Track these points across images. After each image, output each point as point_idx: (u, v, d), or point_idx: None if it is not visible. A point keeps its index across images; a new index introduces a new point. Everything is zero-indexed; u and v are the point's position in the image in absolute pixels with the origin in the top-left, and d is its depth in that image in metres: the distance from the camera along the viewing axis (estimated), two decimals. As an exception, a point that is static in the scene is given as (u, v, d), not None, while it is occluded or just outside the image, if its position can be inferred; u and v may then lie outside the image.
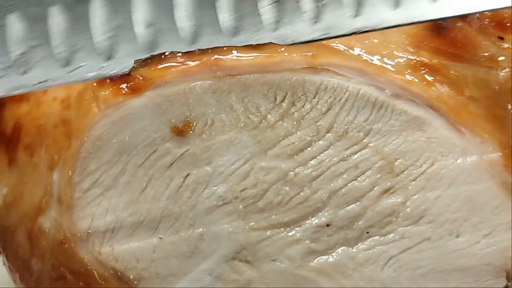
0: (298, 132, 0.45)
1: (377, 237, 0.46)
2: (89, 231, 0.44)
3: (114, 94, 0.43)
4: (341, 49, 0.45)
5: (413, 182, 0.46)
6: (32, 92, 0.45)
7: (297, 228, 0.45)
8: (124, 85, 0.43)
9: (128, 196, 0.45)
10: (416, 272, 0.46)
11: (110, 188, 0.45)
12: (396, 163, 0.46)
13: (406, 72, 0.44)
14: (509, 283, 0.46)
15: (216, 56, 0.43)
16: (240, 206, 0.45)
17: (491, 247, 0.46)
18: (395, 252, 0.46)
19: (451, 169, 0.46)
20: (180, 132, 0.44)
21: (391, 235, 0.46)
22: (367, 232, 0.46)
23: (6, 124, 0.49)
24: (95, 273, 0.43)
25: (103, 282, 0.43)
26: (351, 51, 0.45)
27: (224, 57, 0.43)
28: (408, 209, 0.46)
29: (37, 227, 0.46)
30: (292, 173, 0.46)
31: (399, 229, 0.46)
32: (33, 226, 0.46)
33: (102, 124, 0.44)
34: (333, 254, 0.45)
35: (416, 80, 0.44)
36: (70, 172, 0.44)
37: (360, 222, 0.46)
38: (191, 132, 0.44)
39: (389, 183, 0.46)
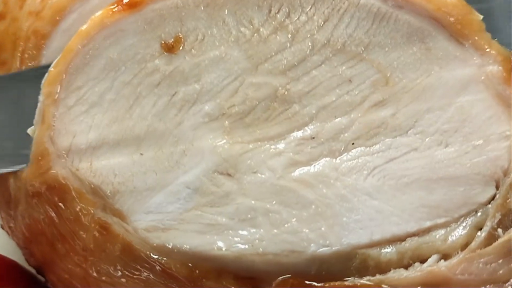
0: (292, 46, 0.44)
1: (362, 148, 0.45)
2: (70, 148, 0.44)
3: (112, 12, 0.43)
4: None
5: (407, 94, 0.45)
6: (9, 9, 0.45)
7: (281, 141, 0.45)
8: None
9: (113, 114, 0.44)
10: (401, 181, 0.45)
11: (95, 105, 0.44)
12: (392, 76, 0.45)
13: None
14: (497, 192, 0.46)
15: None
16: (227, 122, 0.45)
17: (481, 157, 0.45)
18: (380, 162, 0.45)
19: (446, 80, 0.45)
20: (170, 48, 0.44)
21: (377, 145, 0.45)
22: (353, 144, 0.45)
23: None
24: (71, 188, 0.43)
25: (78, 196, 0.43)
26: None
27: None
28: (397, 120, 0.45)
29: None
30: (282, 89, 0.45)
31: (386, 140, 0.45)
32: None
33: (92, 39, 0.43)
34: (316, 165, 0.45)
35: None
36: (57, 89, 0.44)
37: (346, 134, 0.45)
38: (181, 48, 0.44)
39: (381, 96, 0.45)
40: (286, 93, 0.45)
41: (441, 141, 0.45)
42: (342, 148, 0.45)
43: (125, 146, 0.44)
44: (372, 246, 0.44)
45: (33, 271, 0.49)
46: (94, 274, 0.44)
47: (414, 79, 0.45)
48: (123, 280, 0.44)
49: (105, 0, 0.45)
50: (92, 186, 0.44)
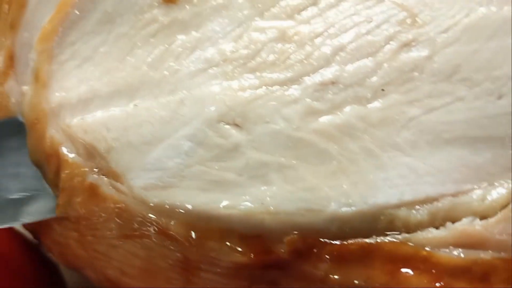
0: None
1: (395, 95, 0.39)
2: (61, 104, 0.41)
3: None
4: None
5: (443, 34, 0.39)
6: None
7: (295, 86, 0.39)
8: None
9: (106, 65, 0.41)
10: (441, 137, 0.39)
11: (88, 59, 0.41)
12: (421, 14, 0.39)
13: None
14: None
15: None
16: (230, 67, 0.40)
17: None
18: (416, 112, 0.39)
19: (493, 19, 0.38)
20: None
21: (413, 93, 0.39)
22: (383, 90, 0.39)
23: None
24: (65, 154, 0.40)
25: (70, 161, 0.40)
26: None
27: None
28: (435, 64, 0.39)
29: (3, 95, 0.43)
30: (291, 31, 0.40)
31: (424, 86, 0.39)
32: None
33: None
34: (339, 113, 0.39)
35: None
36: (52, 45, 0.41)
37: (373, 79, 0.39)
38: None
39: (410, 36, 0.39)
40: (295, 35, 0.40)
41: (492, 90, 0.39)
42: (370, 95, 0.39)
43: (118, 98, 0.41)
44: (401, 207, 0.39)
45: (28, 234, 0.47)
46: (89, 237, 0.41)
47: (449, 17, 0.39)
48: (119, 242, 0.40)
49: None
50: (85, 144, 0.40)
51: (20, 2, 0.43)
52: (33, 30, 0.43)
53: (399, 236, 0.38)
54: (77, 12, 0.41)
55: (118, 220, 0.40)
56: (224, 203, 0.39)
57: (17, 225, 0.46)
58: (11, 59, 0.44)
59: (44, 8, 0.43)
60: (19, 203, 0.42)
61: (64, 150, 0.41)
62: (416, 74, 0.39)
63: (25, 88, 0.42)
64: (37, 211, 0.42)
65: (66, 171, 0.41)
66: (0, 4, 0.44)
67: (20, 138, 0.42)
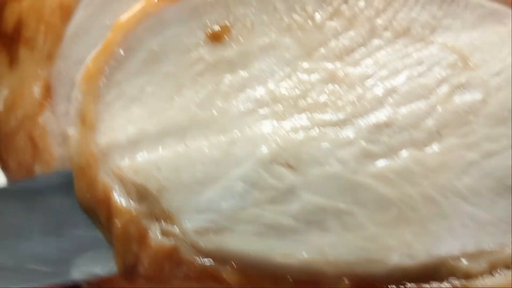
0: (349, 32, 0.40)
1: (452, 139, 0.37)
2: (110, 146, 0.39)
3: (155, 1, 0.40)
4: None
5: (496, 77, 0.39)
6: None
7: (349, 128, 0.37)
8: None
9: (153, 106, 0.39)
10: (503, 183, 0.37)
11: (134, 99, 0.39)
12: (472, 57, 0.39)
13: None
14: None
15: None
16: (280, 107, 0.38)
17: None
18: (476, 157, 0.37)
19: None
20: (216, 37, 0.40)
21: (471, 137, 0.38)
22: (439, 133, 0.37)
23: (7, 23, 0.45)
24: (116, 200, 0.37)
25: (121, 208, 0.37)
26: None
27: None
28: (490, 107, 0.38)
29: (39, 126, 0.42)
30: (340, 72, 0.39)
31: (481, 130, 0.38)
32: (34, 126, 0.42)
33: (133, 31, 0.39)
34: (396, 157, 0.37)
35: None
36: (98, 86, 0.39)
37: (428, 122, 0.38)
38: (228, 36, 0.40)
39: (463, 79, 0.39)
40: (345, 76, 0.39)
41: None
42: (427, 138, 0.38)
43: (168, 138, 0.39)
44: (463, 257, 0.37)
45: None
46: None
47: (501, 60, 0.39)
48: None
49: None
50: (136, 185, 0.38)
51: (57, 33, 0.43)
52: (70, 61, 0.42)
53: (457, 282, 0.36)
54: (123, 51, 0.40)
55: (167, 264, 0.37)
56: (281, 251, 0.36)
57: (73, 281, 0.41)
58: (47, 90, 0.42)
59: (81, 40, 0.42)
60: (71, 255, 0.38)
61: (116, 194, 0.38)
62: (471, 117, 0.38)
63: (70, 130, 0.40)
64: (91, 262, 0.38)
65: (119, 217, 0.37)
66: (36, 34, 0.43)
67: (64, 184, 0.39)
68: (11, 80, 0.44)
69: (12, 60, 0.44)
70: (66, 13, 0.42)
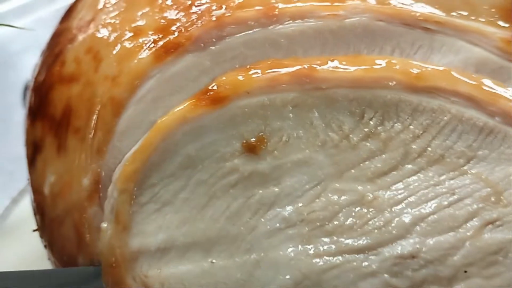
0: (383, 154, 0.40)
1: (477, 280, 0.37)
2: (140, 250, 0.40)
3: (194, 106, 0.40)
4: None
5: None
6: (82, 71, 0.41)
7: (373, 257, 0.37)
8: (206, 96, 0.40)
9: (185, 214, 0.40)
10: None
11: (167, 204, 0.40)
12: (506, 193, 0.38)
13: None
14: None
15: (310, 65, 0.40)
16: (306, 229, 0.38)
17: None
18: (500, 305, 0.37)
19: None
20: (252, 148, 0.40)
21: (498, 279, 0.37)
22: (465, 272, 0.37)
23: (55, 107, 0.45)
24: None
25: None
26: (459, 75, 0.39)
27: (319, 67, 0.40)
28: (521, 248, 0.37)
29: (87, 219, 0.42)
30: (370, 195, 0.39)
31: (506, 274, 0.37)
32: (81, 218, 0.42)
33: (171, 134, 0.40)
34: (419, 295, 0.37)
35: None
36: (133, 187, 0.40)
37: (455, 258, 0.37)
38: (263, 148, 0.40)
39: (495, 215, 0.38)
40: (374, 200, 0.39)
41: None
42: (452, 276, 0.37)
43: (195, 251, 0.39)
44: None
45: None
46: None
47: None
48: None
49: (187, 67, 0.42)
50: None
51: (108, 128, 0.43)
52: (120, 156, 0.42)
53: None
54: (160, 154, 0.40)
55: None
56: None
57: None
58: (97, 184, 0.43)
59: (132, 135, 0.42)
60: None
61: None
62: (500, 258, 0.37)
63: (105, 226, 0.40)
64: None
65: None
66: (86, 125, 0.43)
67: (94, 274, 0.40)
68: (59, 166, 0.45)
69: (60, 146, 0.44)
70: (118, 108, 0.42)
